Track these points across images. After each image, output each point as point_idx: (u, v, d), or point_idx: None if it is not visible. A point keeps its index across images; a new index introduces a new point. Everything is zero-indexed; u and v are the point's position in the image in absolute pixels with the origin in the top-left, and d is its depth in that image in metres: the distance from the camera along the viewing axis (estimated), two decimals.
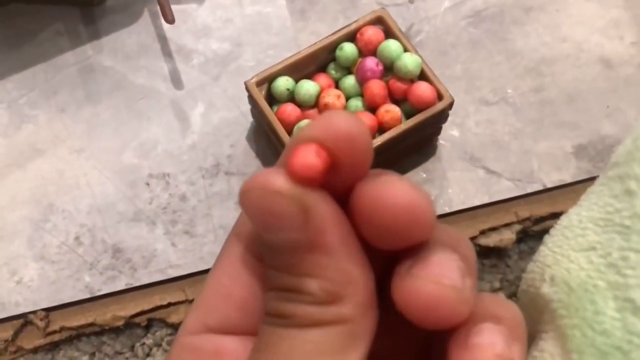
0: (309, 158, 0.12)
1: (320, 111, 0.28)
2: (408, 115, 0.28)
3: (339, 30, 0.28)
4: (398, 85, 0.27)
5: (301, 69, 0.28)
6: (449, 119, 0.29)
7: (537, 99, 0.32)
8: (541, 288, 0.20)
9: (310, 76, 0.29)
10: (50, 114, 0.32)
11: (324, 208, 0.12)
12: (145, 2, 0.34)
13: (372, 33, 0.28)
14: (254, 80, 0.28)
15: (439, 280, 0.12)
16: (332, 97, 0.27)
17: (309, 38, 0.33)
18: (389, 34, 0.28)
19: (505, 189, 0.30)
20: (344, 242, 0.12)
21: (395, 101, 0.28)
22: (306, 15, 0.34)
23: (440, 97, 0.27)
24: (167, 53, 0.33)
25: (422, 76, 0.28)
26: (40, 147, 0.31)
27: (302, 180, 0.12)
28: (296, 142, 0.12)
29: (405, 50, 0.28)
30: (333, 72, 0.29)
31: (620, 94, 0.32)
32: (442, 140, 0.31)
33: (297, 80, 0.28)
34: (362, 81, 0.28)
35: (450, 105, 0.27)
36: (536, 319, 0.20)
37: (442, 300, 0.12)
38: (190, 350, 0.15)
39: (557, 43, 0.33)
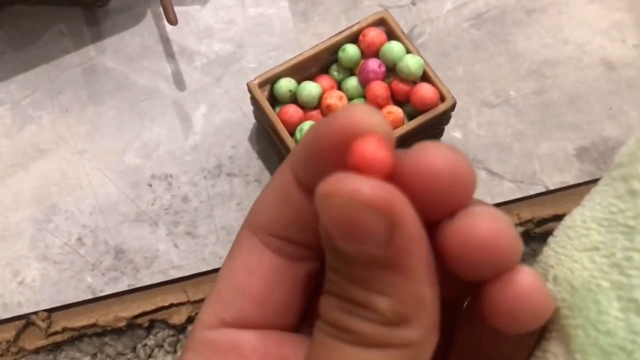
0: (380, 150, 0.11)
1: (322, 113, 0.28)
2: (410, 116, 0.28)
3: (341, 32, 0.28)
4: (400, 87, 0.27)
5: (303, 70, 0.28)
6: (451, 120, 0.29)
7: (539, 100, 0.32)
8: None
9: (312, 77, 0.29)
10: (54, 115, 0.32)
11: (412, 226, 0.11)
12: (148, 3, 0.34)
13: (375, 35, 0.28)
14: (256, 81, 0.28)
15: (494, 215, 0.12)
16: (334, 98, 0.27)
17: (311, 39, 0.33)
18: (391, 35, 0.28)
19: (507, 191, 0.30)
20: (425, 264, 0.12)
21: (398, 102, 0.28)
22: (308, 17, 0.34)
23: (442, 98, 0.27)
24: (169, 54, 0.33)
25: (425, 78, 0.28)
26: (43, 147, 0.31)
27: (376, 175, 0.11)
28: (355, 135, 0.11)
29: (408, 51, 0.28)
30: (335, 73, 0.29)
31: (622, 96, 0.32)
32: (444, 142, 0.31)
33: (299, 82, 0.28)
34: (364, 82, 0.28)
35: (453, 107, 0.28)
36: None
37: (502, 233, 0.12)
38: (208, 344, 0.15)
39: (559, 45, 0.33)
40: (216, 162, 0.31)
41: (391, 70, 0.28)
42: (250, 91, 0.28)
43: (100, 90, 0.32)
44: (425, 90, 0.27)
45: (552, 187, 0.30)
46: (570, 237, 0.21)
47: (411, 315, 0.12)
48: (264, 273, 0.14)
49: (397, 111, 0.27)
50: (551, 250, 0.21)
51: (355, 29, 0.28)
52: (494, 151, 0.31)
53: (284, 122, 0.27)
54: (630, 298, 0.17)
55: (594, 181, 0.21)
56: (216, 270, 0.29)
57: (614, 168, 0.21)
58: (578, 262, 0.19)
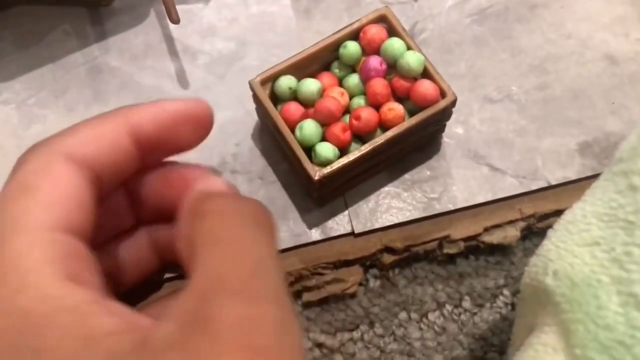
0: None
1: None
2: (411, 113, 0.28)
3: (342, 29, 0.28)
4: (401, 83, 0.27)
5: (305, 67, 0.28)
6: (453, 116, 0.29)
7: (542, 96, 0.32)
8: (544, 282, 0.20)
9: (314, 75, 0.29)
10: (59, 114, 0.32)
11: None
12: (151, 2, 0.34)
13: (375, 32, 0.28)
14: (258, 79, 0.28)
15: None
16: (336, 93, 0.28)
17: (313, 37, 0.33)
18: (392, 32, 0.28)
19: (509, 186, 0.30)
20: None
21: (399, 99, 0.28)
22: (311, 15, 0.34)
23: (443, 94, 0.27)
24: (173, 53, 0.33)
25: (425, 74, 0.28)
26: None
27: None
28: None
29: (409, 48, 0.28)
30: (337, 70, 0.29)
31: (625, 91, 0.32)
32: (446, 138, 0.31)
33: (301, 79, 0.28)
34: (365, 80, 0.28)
35: (453, 103, 0.28)
36: (539, 312, 0.20)
37: None
38: (58, 246, 0.15)
39: (561, 40, 0.33)
40: (220, 159, 0.31)
41: (392, 66, 0.28)
42: (252, 89, 0.28)
43: (104, 89, 0.33)
44: (425, 87, 0.27)
45: (554, 183, 0.30)
46: (570, 232, 0.21)
47: None
48: (87, 198, 0.16)
49: (398, 108, 0.27)
50: (551, 244, 0.21)
51: (355, 26, 0.28)
52: (496, 147, 0.31)
53: (285, 120, 0.28)
54: (630, 293, 0.17)
55: (596, 176, 0.21)
56: None
57: (615, 163, 0.21)
58: (578, 257, 0.19)
